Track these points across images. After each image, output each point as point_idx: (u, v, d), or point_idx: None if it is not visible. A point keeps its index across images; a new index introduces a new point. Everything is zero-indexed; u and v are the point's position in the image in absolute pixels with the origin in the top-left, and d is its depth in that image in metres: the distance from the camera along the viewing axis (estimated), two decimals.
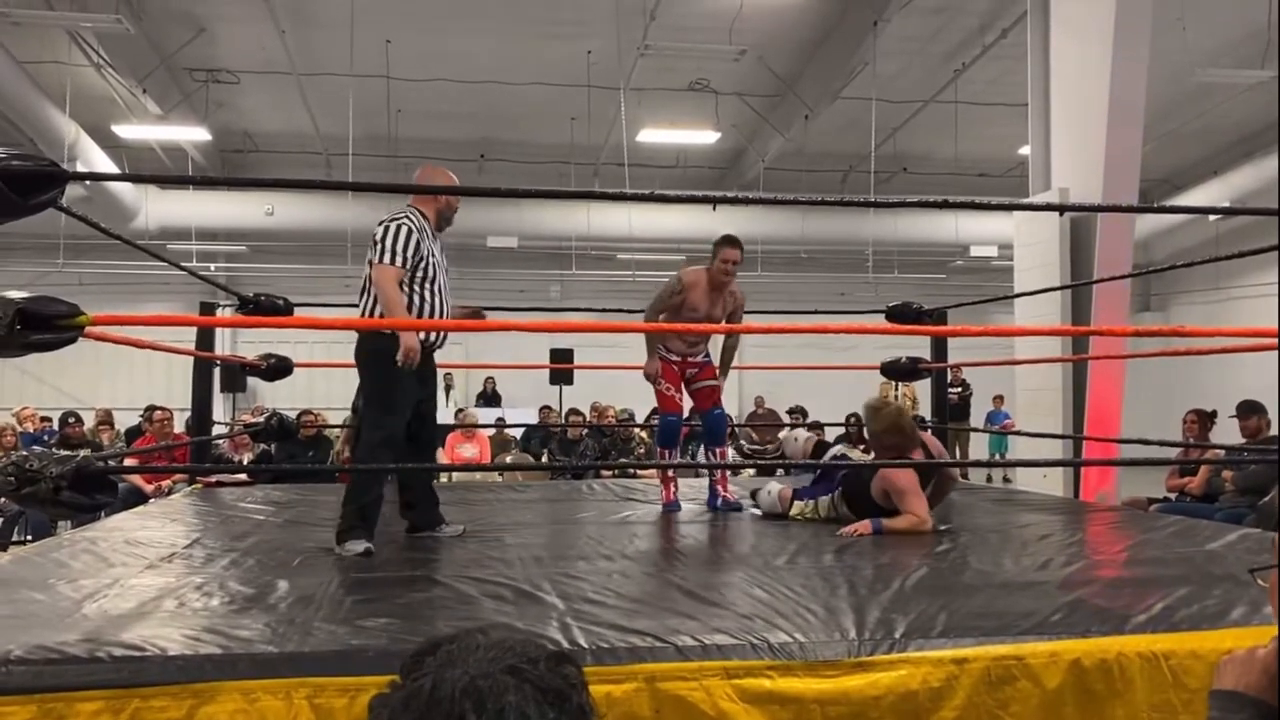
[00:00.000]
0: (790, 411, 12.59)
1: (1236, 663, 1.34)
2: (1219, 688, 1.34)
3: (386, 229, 3.86)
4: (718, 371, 5.21)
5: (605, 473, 7.91)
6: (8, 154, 2.31)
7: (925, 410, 8.45)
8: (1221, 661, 1.36)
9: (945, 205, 3.38)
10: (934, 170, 15.31)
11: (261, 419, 6.84)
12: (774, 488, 4.72)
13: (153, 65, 11.39)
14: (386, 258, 3.83)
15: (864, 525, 4.09)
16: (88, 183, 12.30)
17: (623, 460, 9.13)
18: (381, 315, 3.83)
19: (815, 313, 6.61)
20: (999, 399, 15.01)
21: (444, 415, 11.33)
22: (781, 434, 10.59)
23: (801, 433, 5.91)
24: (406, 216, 3.91)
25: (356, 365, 3.99)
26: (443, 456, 9.13)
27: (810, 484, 4.68)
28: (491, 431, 10.81)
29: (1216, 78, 11.35)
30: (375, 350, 3.85)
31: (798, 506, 4.55)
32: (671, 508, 4.88)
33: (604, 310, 6.64)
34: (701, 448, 10.32)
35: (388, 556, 3.63)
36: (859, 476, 4.38)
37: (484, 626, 1.13)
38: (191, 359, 5.80)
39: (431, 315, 3.93)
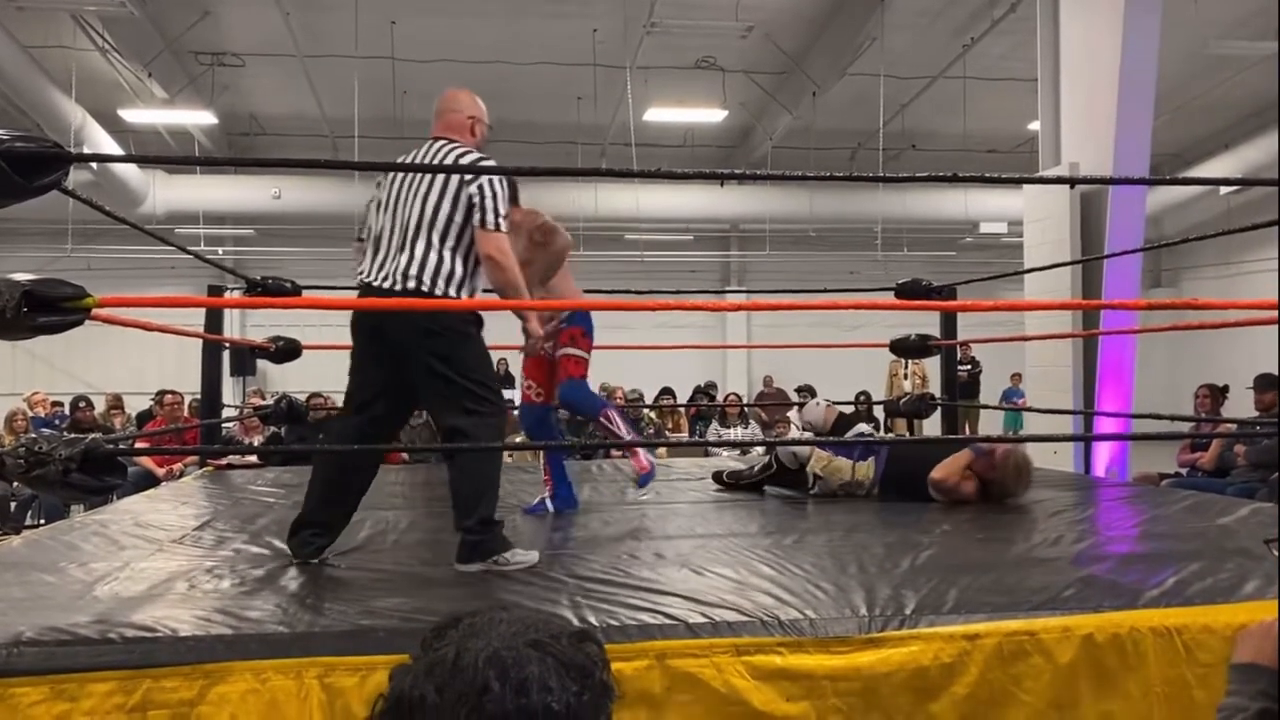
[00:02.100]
0: (799, 390, 12.57)
1: (1253, 635, 1.33)
2: (1237, 661, 1.33)
3: (493, 181, 3.08)
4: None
5: (614, 453, 7.90)
6: (10, 135, 2.30)
7: (935, 388, 8.43)
8: (1239, 635, 1.36)
9: (954, 179, 3.34)
10: (943, 147, 15.22)
11: (269, 402, 6.85)
12: (821, 405, 4.73)
13: (158, 49, 11.37)
14: (502, 221, 3.09)
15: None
16: (95, 168, 12.31)
17: (632, 441, 9.10)
18: (464, 292, 3.12)
19: (824, 291, 6.58)
20: (1016, 376, 14.97)
21: None
22: (791, 413, 10.58)
23: (822, 402, 5.89)
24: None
25: (419, 345, 3.06)
26: None
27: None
28: None
29: (1229, 50, 11.24)
30: (467, 328, 3.11)
31: (821, 455, 4.57)
32: (646, 478, 4.37)
33: (612, 291, 6.61)
34: (712, 425, 10.33)
35: (397, 537, 3.63)
36: (908, 460, 4.44)
37: (504, 604, 1.13)
38: (201, 344, 5.80)
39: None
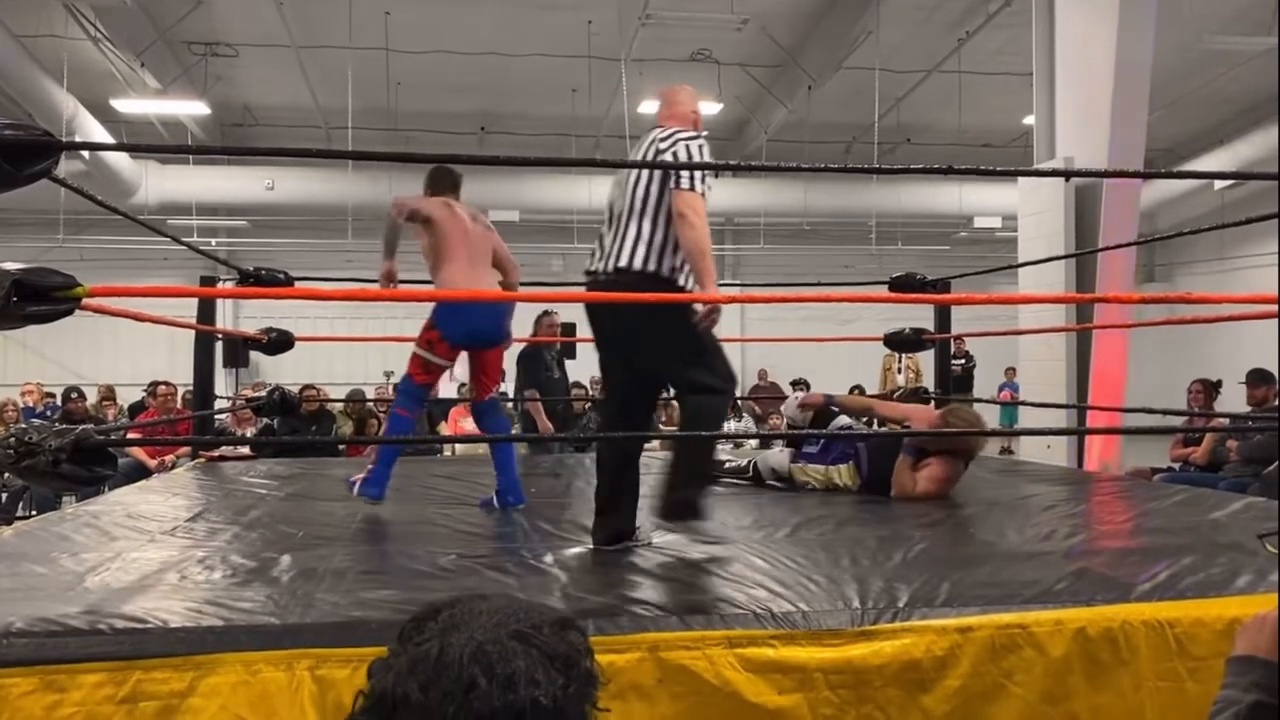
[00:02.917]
0: (793, 383, 12.59)
1: (1248, 629, 1.34)
2: (1233, 654, 1.34)
3: (690, 146, 3.15)
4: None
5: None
6: (1, 124, 2.28)
7: (929, 382, 8.44)
8: (1238, 630, 1.37)
9: (949, 173, 3.35)
10: (938, 141, 15.21)
11: (263, 393, 6.85)
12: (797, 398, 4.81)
13: (151, 38, 11.31)
14: (701, 184, 3.07)
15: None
16: (88, 158, 12.25)
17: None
18: (666, 261, 3.13)
19: (818, 284, 6.58)
20: (1011, 370, 15.00)
21: (447, 389, 11.34)
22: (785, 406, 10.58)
23: (798, 395, 5.90)
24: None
25: (636, 328, 3.16)
26: (447, 429, 9.15)
27: (818, 449, 4.66)
28: None
29: (1223, 45, 11.23)
30: (679, 304, 3.14)
31: (798, 469, 4.56)
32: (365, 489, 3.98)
33: None
34: None
35: (389, 529, 3.62)
36: (886, 454, 4.41)
37: (482, 593, 1.12)
38: (193, 335, 5.79)
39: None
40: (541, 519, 3.78)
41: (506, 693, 0.95)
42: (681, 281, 3.16)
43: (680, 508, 3.11)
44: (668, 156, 3.14)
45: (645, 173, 3.15)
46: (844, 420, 4.93)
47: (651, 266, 3.13)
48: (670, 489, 3.15)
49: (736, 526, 3.53)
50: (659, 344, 3.15)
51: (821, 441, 4.65)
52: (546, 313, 7.16)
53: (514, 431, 5.57)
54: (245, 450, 6.67)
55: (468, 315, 4.02)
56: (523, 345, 7.32)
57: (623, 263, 3.14)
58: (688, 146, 3.14)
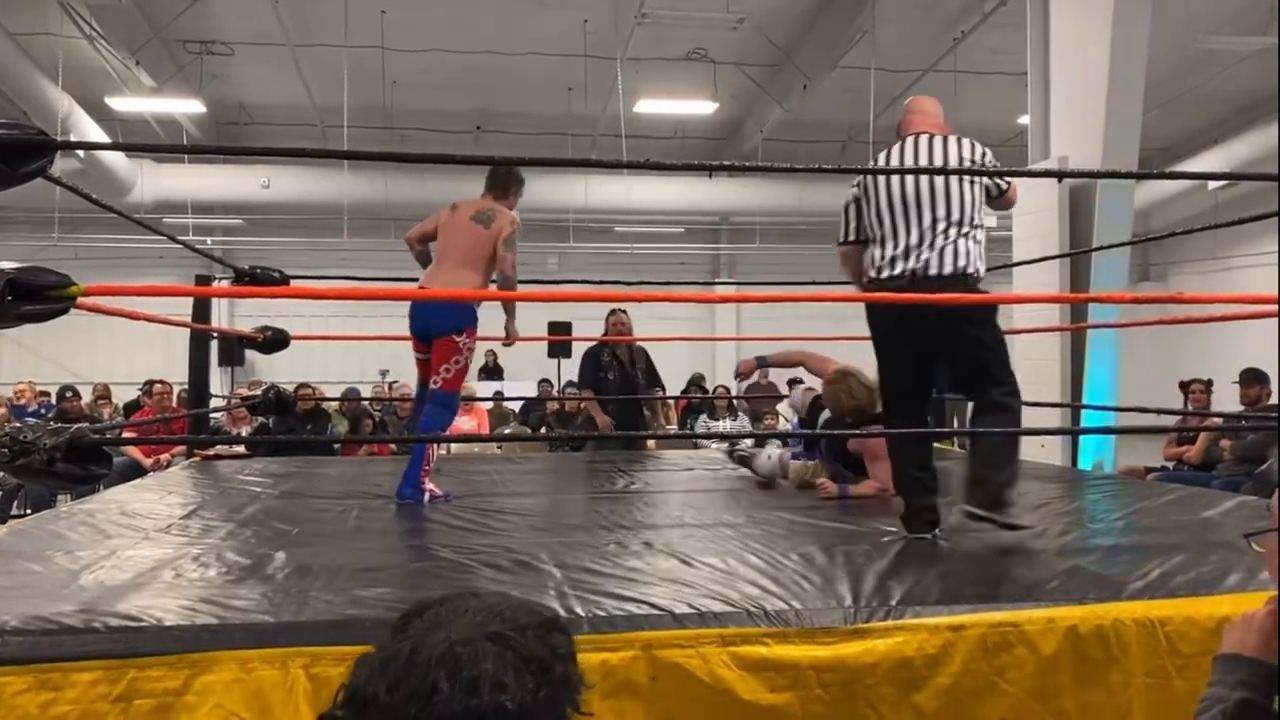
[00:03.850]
0: (790, 382, 12.58)
1: (1235, 627, 1.35)
2: (1220, 652, 1.35)
3: (991, 156, 3.41)
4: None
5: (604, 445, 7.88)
6: None
7: None
8: (1225, 628, 1.38)
9: (944, 171, 3.36)
10: None
11: (258, 392, 6.84)
12: (774, 452, 4.74)
13: (146, 37, 11.29)
14: (1009, 184, 3.43)
15: (831, 488, 4.26)
16: (83, 156, 12.24)
17: (620, 432, 9.09)
18: (968, 264, 3.29)
19: (813, 283, 6.57)
20: None
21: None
22: (781, 405, 10.60)
23: (801, 386, 5.93)
24: None
25: (954, 329, 3.30)
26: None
27: (804, 446, 4.71)
28: (490, 405, 10.83)
29: (1219, 44, 11.26)
30: (994, 312, 3.38)
31: (796, 468, 4.58)
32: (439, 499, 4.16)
33: (601, 282, 6.60)
34: (700, 418, 10.33)
35: (384, 527, 3.63)
36: (841, 448, 4.47)
37: (477, 590, 1.12)
38: (189, 334, 5.78)
39: None
40: (535, 518, 3.79)
41: (469, 697, 0.95)
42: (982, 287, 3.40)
43: (1000, 504, 3.24)
44: (986, 164, 3.36)
45: (967, 181, 3.31)
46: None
47: (983, 273, 3.35)
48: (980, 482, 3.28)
49: (730, 523, 3.54)
50: (990, 344, 3.34)
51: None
52: (612, 311, 7.13)
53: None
54: (240, 449, 6.68)
55: (414, 311, 4.37)
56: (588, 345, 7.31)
57: (971, 270, 3.29)
58: (982, 150, 3.39)
